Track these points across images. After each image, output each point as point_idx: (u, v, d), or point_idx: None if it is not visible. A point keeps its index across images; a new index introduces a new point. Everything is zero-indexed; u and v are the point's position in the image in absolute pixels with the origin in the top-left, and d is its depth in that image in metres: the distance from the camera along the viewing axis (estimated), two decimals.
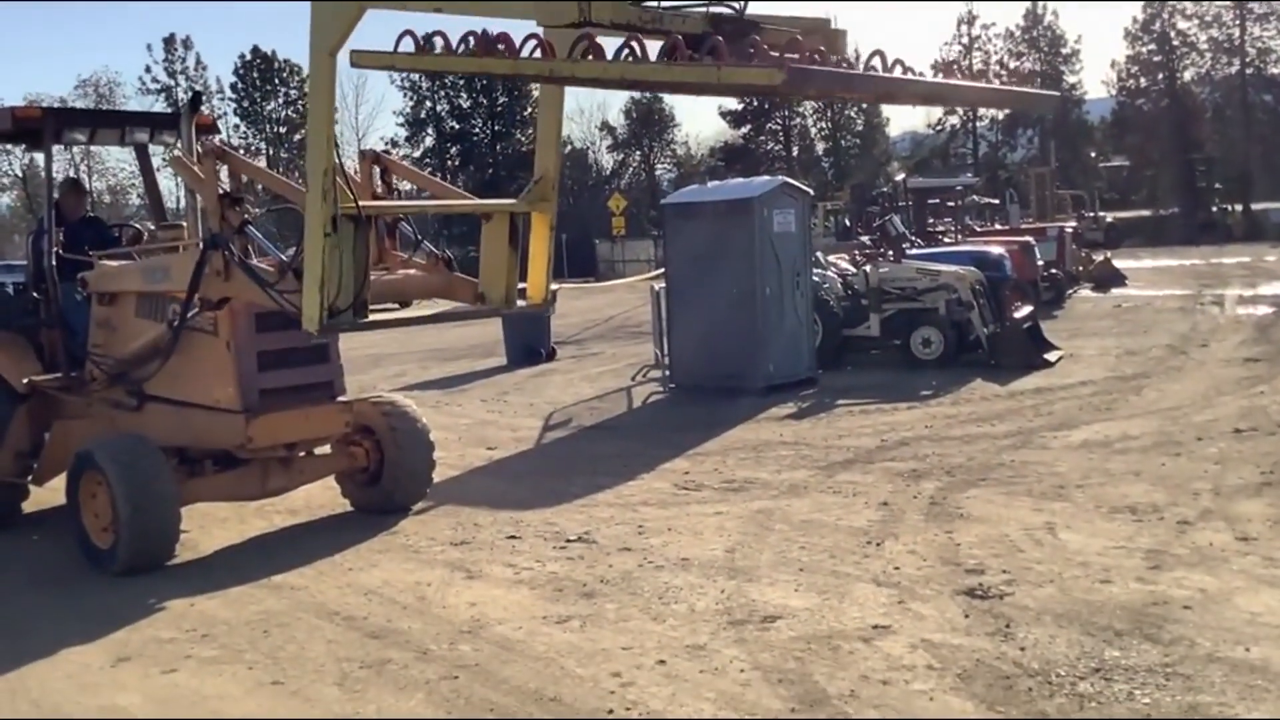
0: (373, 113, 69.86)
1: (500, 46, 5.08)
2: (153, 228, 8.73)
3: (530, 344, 17.84)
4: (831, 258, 16.76)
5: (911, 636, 5.16)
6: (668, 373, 13.97)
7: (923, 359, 14.29)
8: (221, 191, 6.84)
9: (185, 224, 7.77)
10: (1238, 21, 60.16)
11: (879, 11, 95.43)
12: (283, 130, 67.15)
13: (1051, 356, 14.12)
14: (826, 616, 5.50)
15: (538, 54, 4.92)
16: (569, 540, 7.19)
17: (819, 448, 9.76)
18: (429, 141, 66.84)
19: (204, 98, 7.13)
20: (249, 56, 67.32)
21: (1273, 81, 60.94)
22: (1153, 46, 63.18)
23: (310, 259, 5.98)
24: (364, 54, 5.56)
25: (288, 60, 67.06)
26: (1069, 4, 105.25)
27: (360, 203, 6.11)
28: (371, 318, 6.33)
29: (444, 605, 5.99)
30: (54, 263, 7.75)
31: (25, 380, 7.85)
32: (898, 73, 5.13)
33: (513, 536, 7.35)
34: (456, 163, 65.37)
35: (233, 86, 66.86)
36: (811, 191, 13.65)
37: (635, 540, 7.10)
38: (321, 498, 8.55)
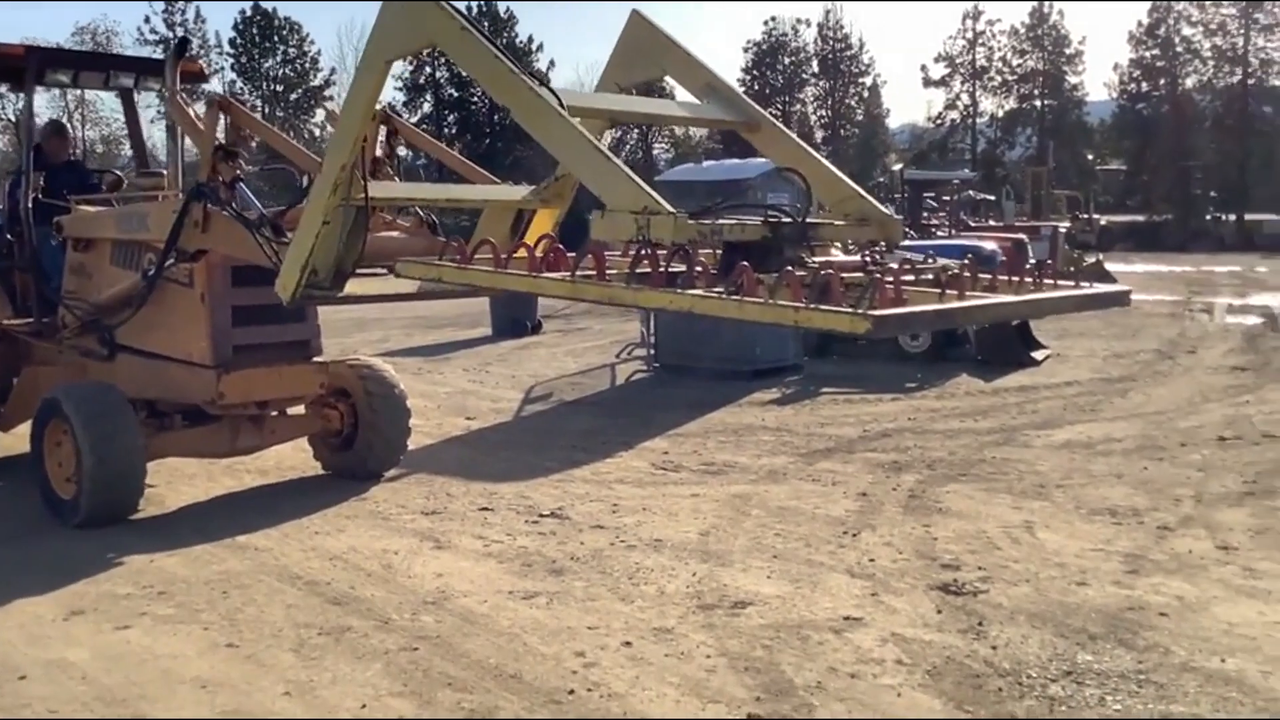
0: None
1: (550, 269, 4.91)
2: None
3: (516, 316, 17.73)
4: None
5: (882, 630, 5.06)
6: (653, 352, 13.84)
7: (910, 352, 14.18)
8: (217, 143, 6.67)
9: (166, 173, 7.59)
10: (1242, 31, 60.05)
11: (881, 5, 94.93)
12: (279, 89, 66.58)
13: (1038, 355, 14.05)
14: (798, 605, 5.40)
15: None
16: (541, 515, 7.07)
17: (800, 435, 9.66)
18: (427, 108, 66.32)
19: (191, 45, 6.91)
20: (249, 13, 66.66)
21: (1274, 93, 60.87)
22: (1156, 51, 63.05)
23: (301, 239, 5.80)
24: (411, 264, 5.39)
25: (287, 18, 66.50)
26: (1075, 4, 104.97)
27: (371, 195, 5.86)
28: (348, 290, 6.16)
29: (409, 575, 5.88)
30: (30, 205, 7.58)
31: None
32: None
33: (485, 509, 7.23)
34: (454, 130, 64.90)
35: (231, 42, 66.21)
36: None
37: (609, 518, 6.99)
38: (293, 459, 8.43)
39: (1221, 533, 6.61)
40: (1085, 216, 39.18)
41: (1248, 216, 53.60)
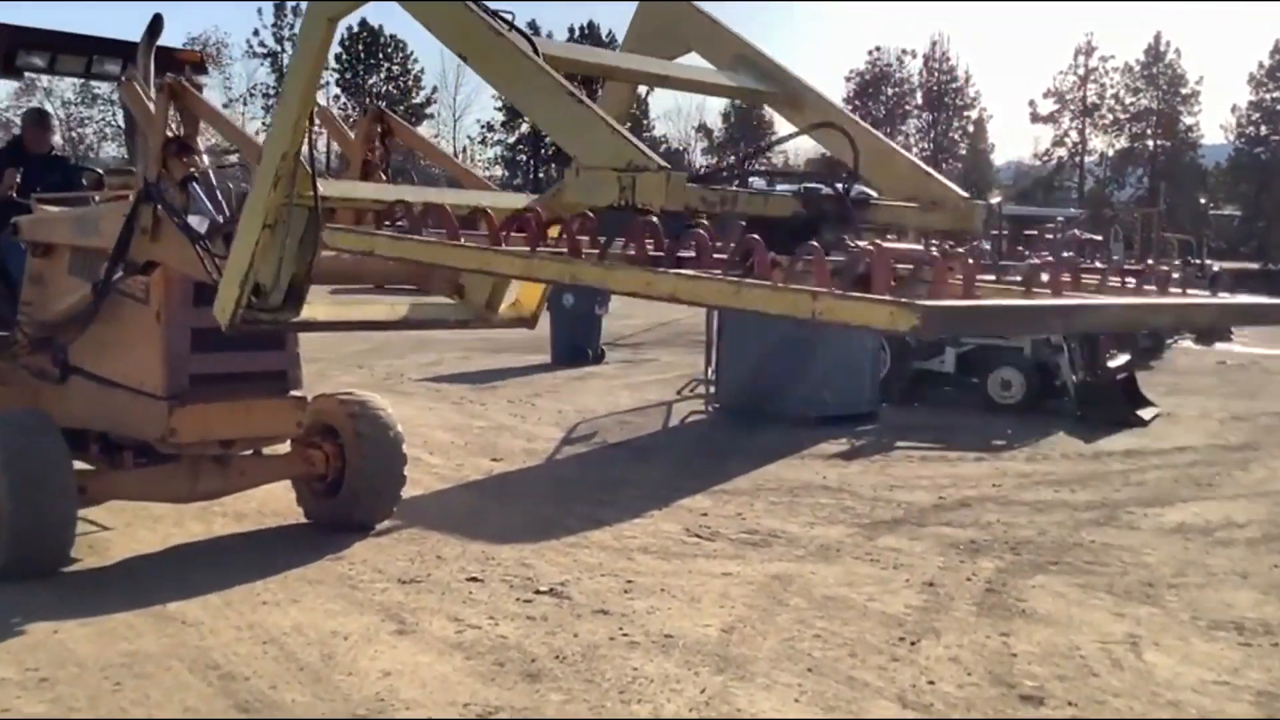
0: (471, 94, 69.37)
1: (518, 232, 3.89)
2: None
3: (577, 344, 16.68)
4: None
5: None
6: (712, 390, 12.64)
7: (1000, 403, 12.79)
8: (170, 135, 5.70)
9: (137, 170, 6.64)
10: None
11: (990, 38, 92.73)
12: (382, 105, 67.03)
13: (1146, 414, 12.51)
14: None
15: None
16: (538, 591, 5.93)
17: (864, 498, 8.38)
18: (524, 128, 66.10)
19: (162, 22, 5.96)
20: (356, 29, 67.34)
21: None
22: (1278, 94, 60.21)
23: (239, 249, 4.76)
24: (340, 233, 4.39)
25: (393, 35, 67.21)
26: (1192, 43, 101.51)
27: (323, 194, 4.80)
28: (306, 315, 5.10)
29: (350, 671, 4.76)
30: None
31: None
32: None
33: (474, 579, 6.11)
34: (550, 152, 64.46)
35: (337, 58, 67.04)
36: None
37: (617, 601, 5.82)
38: (280, 501, 7.38)
39: None
40: (1197, 262, 36.96)
41: None
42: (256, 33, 65.71)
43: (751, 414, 11.67)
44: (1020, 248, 21.86)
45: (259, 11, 76.85)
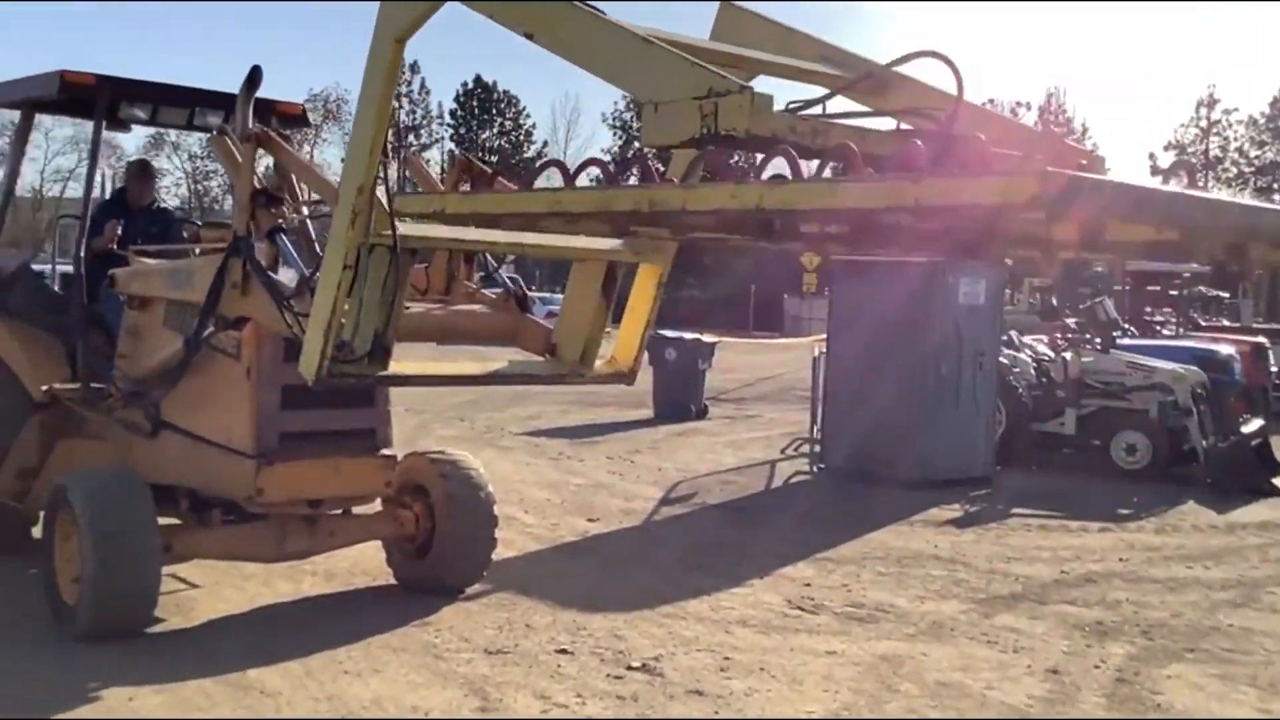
0: (583, 147, 70.09)
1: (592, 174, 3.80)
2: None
3: (679, 399, 16.40)
4: (1028, 338, 14.64)
5: None
6: (818, 448, 12.22)
7: (1125, 468, 12.11)
8: (258, 186, 5.62)
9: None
10: None
11: (1108, 89, 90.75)
12: (494, 160, 68.19)
13: None
14: None
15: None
16: (630, 667, 5.61)
17: (980, 571, 7.90)
18: (633, 181, 66.47)
19: (261, 73, 5.89)
20: (470, 85, 68.73)
21: None
22: None
23: (321, 295, 4.66)
24: (409, 198, 4.46)
25: (506, 91, 68.39)
26: None
27: (402, 232, 4.68)
28: (394, 369, 4.93)
29: None
30: (83, 254, 6.72)
31: (44, 387, 6.79)
32: None
33: (563, 650, 5.81)
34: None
35: (452, 113, 68.54)
36: (1010, 260, 11.72)
37: (712, 680, 5.46)
38: (372, 560, 7.18)
39: None
40: None
41: None
42: None
43: (859, 475, 11.23)
44: (1146, 309, 21.07)
45: None
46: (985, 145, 2.92)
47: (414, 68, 67.06)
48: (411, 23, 4.25)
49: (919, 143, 3.03)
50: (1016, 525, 9.56)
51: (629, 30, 3.41)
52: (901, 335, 11.20)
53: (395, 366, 4.97)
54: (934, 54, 3.51)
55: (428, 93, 67.75)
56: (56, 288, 7.74)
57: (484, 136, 69.25)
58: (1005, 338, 13.14)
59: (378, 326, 4.77)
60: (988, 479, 11.35)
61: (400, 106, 66.67)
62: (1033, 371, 13.12)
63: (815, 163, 3.29)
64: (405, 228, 4.58)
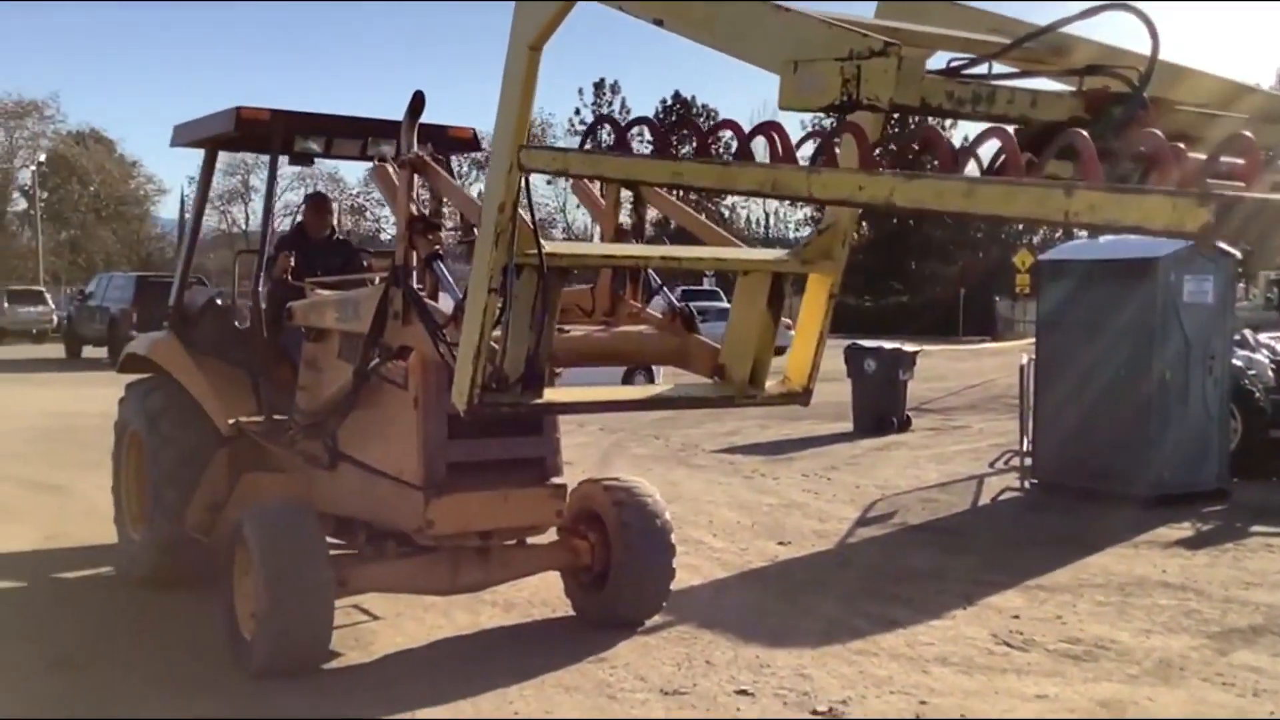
0: None
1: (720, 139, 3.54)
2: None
3: (880, 411, 15.77)
4: (1264, 337, 13.40)
5: None
6: (1029, 462, 11.44)
7: None
8: (415, 213, 5.51)
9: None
10: None
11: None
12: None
13: None
14: None
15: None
16: (815, 711, 5.20)
17: (1214, 599, 7.11)
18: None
19: (424, 99, 5.78)
20: (670, 101, 69.20)
21: None
22: None
23: (469, 320, 4.47)
24: (534, 151, 4.21)
25: (705, 105, 68.42)
26: None
27: (549, 250, 4.46)
28: (549, 396, 4.70)
29: None
30: (259, 288, 6.79)
31: (230, 421, 6.90)
32: None
33: (743, 691, 5.45)
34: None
35: (653, 129, 68.98)
36: (1239, 254, 10.70)
37: None
38: (552, 591, 6.99)
39: None
40: None
41: None
42: (578, 111, 68.33)
43: (1074, 491, 10.44)
44: None
45: (579, 91, 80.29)
46: (1160, 140, 2.42)
47: (614, 88, 68.00)
48: (544, 26, 4.02)
49: (1009, 131, 2.60)
50: (1257, 546, 8.63)
51: (763, 2, 3.07)
52: (1117, 337, 10.36)
53: (551, 394, 4.73)
54: (1124, 5, 2.98)
55: (628, 111, 68.56)
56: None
57: (683, 151, 69.39)
58: (1238, 337, 12.03)
59: (530, 351, 4.55)
60: (1223, 493, 10.36)
61: (602, 128, 67.42)
62: (1271, 373, 11.95)
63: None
64: (552, 246, 4.37)
